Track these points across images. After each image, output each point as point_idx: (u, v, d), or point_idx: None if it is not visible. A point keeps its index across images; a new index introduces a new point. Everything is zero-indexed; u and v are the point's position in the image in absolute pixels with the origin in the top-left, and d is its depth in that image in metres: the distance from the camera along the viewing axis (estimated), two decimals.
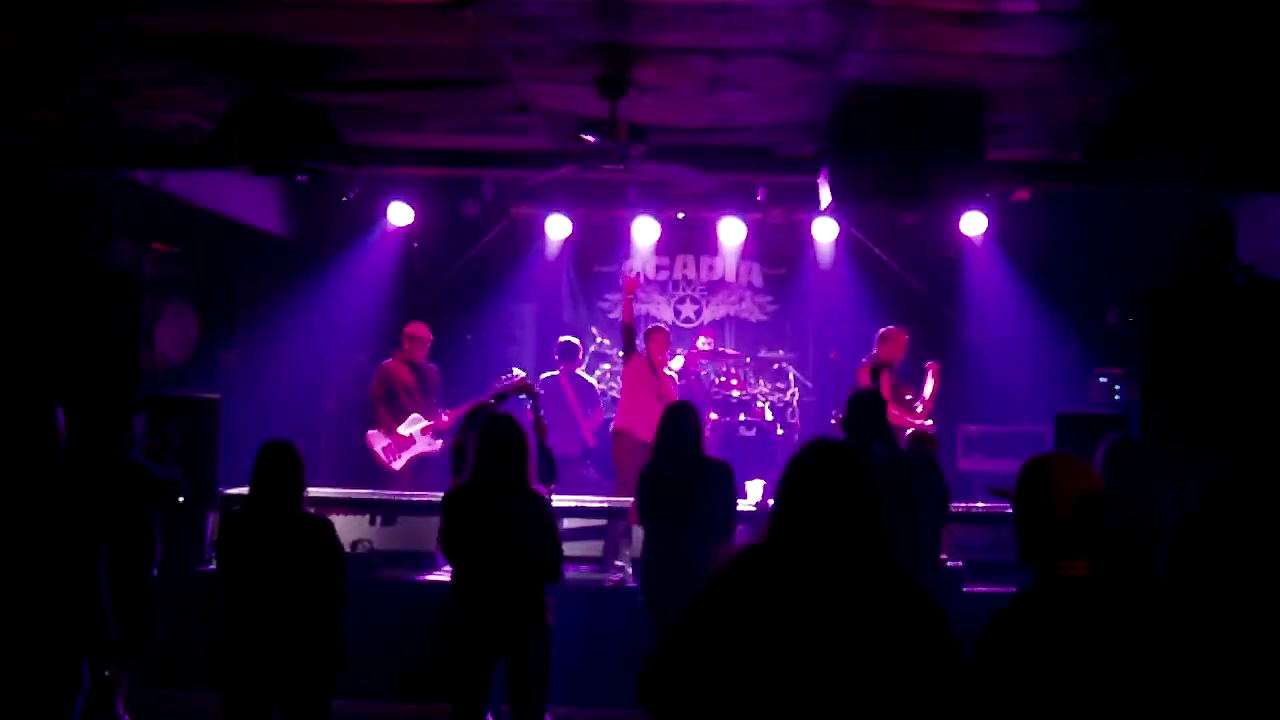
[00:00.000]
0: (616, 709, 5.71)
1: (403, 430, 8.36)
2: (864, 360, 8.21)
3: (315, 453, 9.50)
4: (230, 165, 7.26)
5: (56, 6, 4.90)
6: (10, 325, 6.62)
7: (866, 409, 5.29)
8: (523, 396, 8.25)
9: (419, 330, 8.65)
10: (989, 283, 9.99)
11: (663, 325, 9.26)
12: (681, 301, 11.19)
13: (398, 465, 8.37)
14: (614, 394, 9.88)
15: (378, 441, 8.40)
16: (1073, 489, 2.79)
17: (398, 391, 8.46)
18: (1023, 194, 8.69)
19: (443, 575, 6.42)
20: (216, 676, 4.42)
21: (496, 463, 4.59)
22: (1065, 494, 2.80)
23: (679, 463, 5.23)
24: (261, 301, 9.76)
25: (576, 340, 9.49)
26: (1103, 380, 8.85)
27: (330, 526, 4.57)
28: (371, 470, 8.62)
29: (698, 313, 11.22)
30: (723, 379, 9.75)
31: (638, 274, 9.58)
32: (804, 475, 2.66)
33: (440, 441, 8.32)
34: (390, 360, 8.66)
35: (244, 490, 4.72)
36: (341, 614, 4.52)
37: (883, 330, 8.40)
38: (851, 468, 2.65)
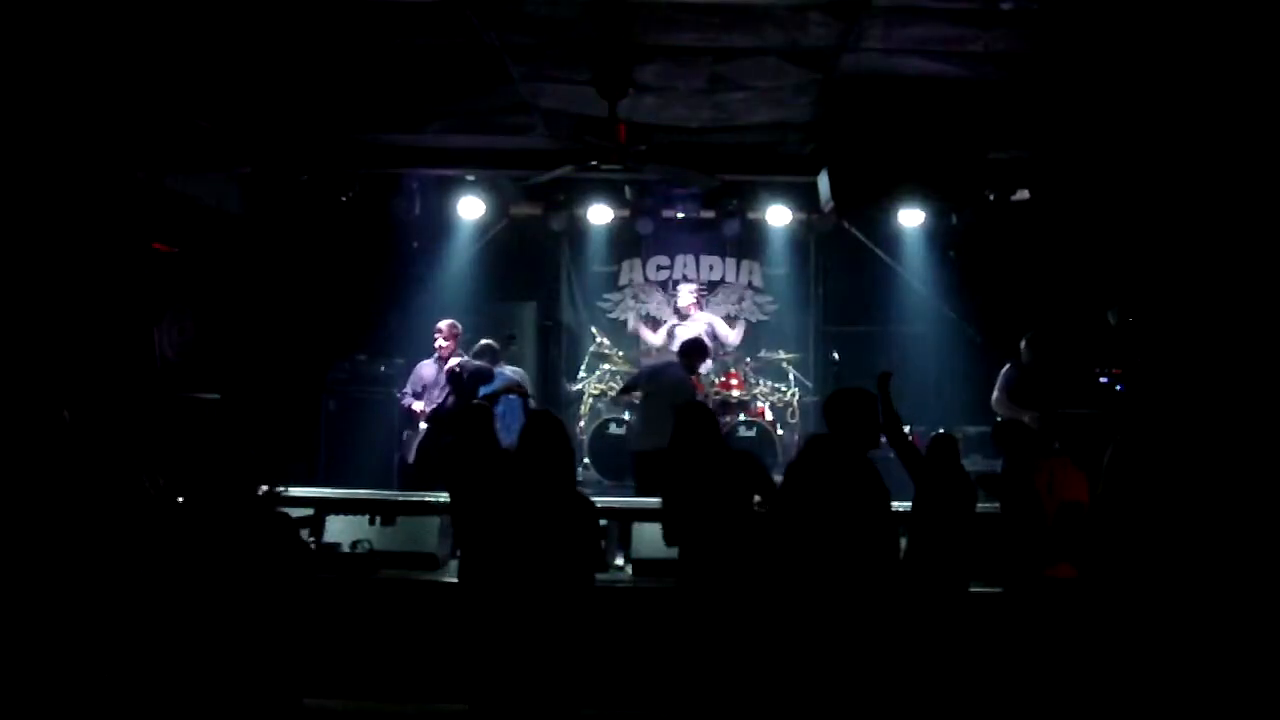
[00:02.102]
0: (616, 709, 5.71)
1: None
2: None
3: (315, 453, 9.50)
4: (230, 165, 7.28)
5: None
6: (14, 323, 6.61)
7: (854, 409, 4.84)
8: (513, 396, 8.27)
9: (439, 326, 8.58)
10: (987, 282, 9.98)
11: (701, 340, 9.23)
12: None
13: (410, 458, 8.42)
14: (613, 394, 9.88)
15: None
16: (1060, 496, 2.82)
17: (422, 388, 8.48)
18: (1023, 194, 8.69)
19: (443, 576, 6.42)
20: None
21: (540, 462, 4.52)
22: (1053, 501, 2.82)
23: (699, 460, 5.16)
24: (261, 301, 9.75)
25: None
26: (1103, 380, 8.84)
27: (291, 521, 4.55)
28: (372, 470, 8.61)
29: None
30: (721, 379, 9.76)
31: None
32: None
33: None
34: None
35: None
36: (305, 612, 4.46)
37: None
38: None
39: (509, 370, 8.70)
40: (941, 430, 5.65)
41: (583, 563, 4.53)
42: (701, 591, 5.03)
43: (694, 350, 8.58)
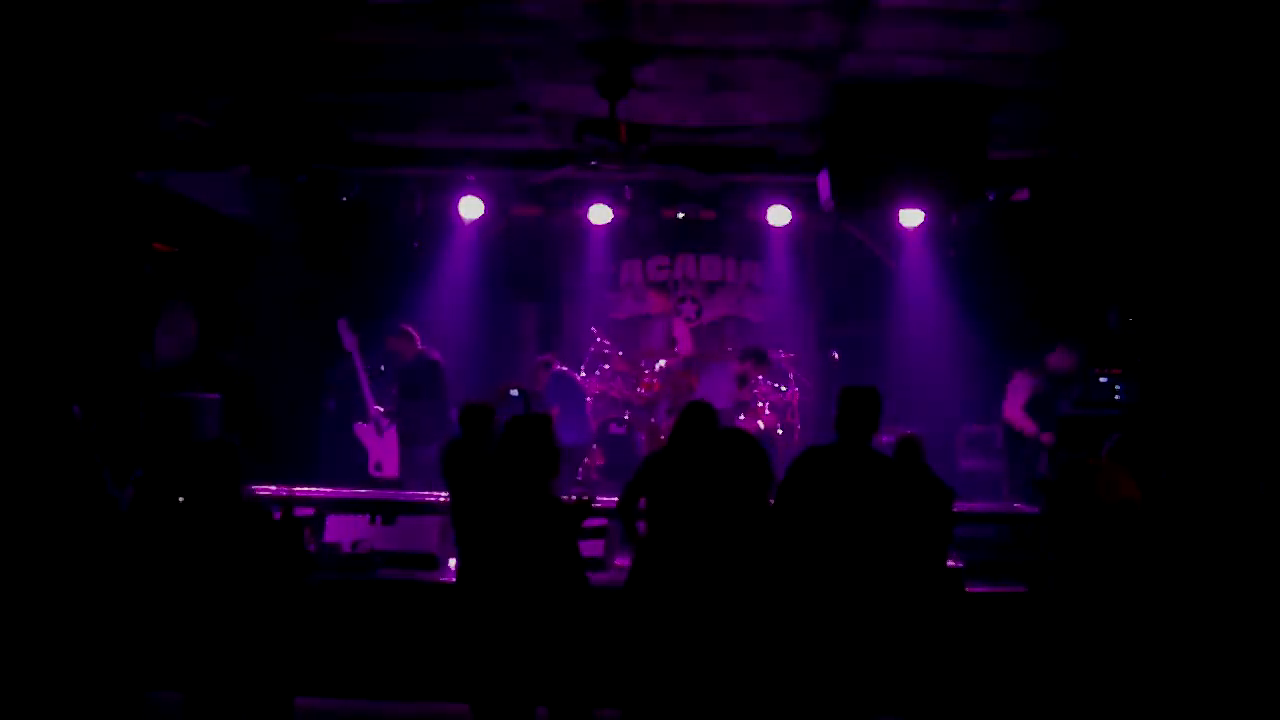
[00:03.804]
0: (616, 709, 5.71)
1: None
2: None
3: (315, 453, 9.50)
4: (230, 165, 7.27)
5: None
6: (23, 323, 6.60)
7: (864, 406, 5.14)
8: (514, 394, 8.30)
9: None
10: (988, 282, 9.99)
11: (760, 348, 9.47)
12: (682, 301, 11.19)
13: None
14: (614, 395, 9.89)
15: None
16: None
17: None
18: (1022, 194, 8.69)
19: (443, 576, 6.42)
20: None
21: (514, 465, 4.53)
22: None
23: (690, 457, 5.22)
24: (261, 301, 9.76)
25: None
26: (1103, 380, 8.85)
27: (267, 512, 4.56)
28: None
29: (698, 313, 11.22)
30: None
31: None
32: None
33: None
34: None
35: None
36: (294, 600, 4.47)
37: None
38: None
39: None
40: (909, 432, 5.67)
41: (558, 563, 4.52)
42: (694, 588, 5.04)
43: (749, 354, 9.23)
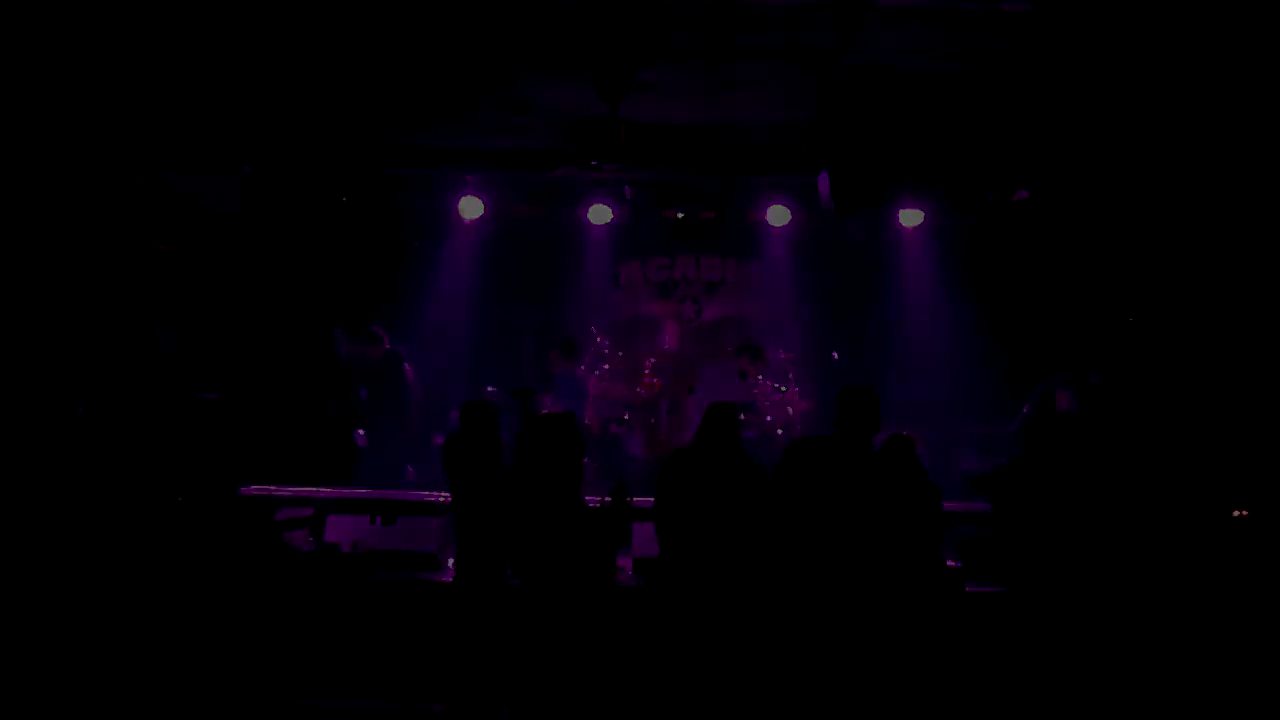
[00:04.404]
0: (617, 709, 5.71)
1: None
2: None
3: (315, 453, 9.49)
4: (231, 165, 7.28)
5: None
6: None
7: (863, 407, 5.14)
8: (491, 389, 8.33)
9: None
10: (988, 282, 9.98)
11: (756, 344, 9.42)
12: (682, 301, 11.18)
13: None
14: (614, 395, 9.89)
15: None
16: None
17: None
18: (1022, 194, 8.69)
19: (443, 576, 6.42)
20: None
21: (543, 467, 4.50)
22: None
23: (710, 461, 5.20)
24: (261, 301, 9.76)
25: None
26: (1094, 381, 8.85)
27: (265, 512, 4.57)
28: (371, 470, 8.65)
29: (698, 313, 11.21)
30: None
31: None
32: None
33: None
34: None
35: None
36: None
37: None
38: None
39: None
40: (901, 431, 5.66)
41: (588, 571, 4.51)
42: (694, 590, 5.04)
43: (745, 349, 9.08)
